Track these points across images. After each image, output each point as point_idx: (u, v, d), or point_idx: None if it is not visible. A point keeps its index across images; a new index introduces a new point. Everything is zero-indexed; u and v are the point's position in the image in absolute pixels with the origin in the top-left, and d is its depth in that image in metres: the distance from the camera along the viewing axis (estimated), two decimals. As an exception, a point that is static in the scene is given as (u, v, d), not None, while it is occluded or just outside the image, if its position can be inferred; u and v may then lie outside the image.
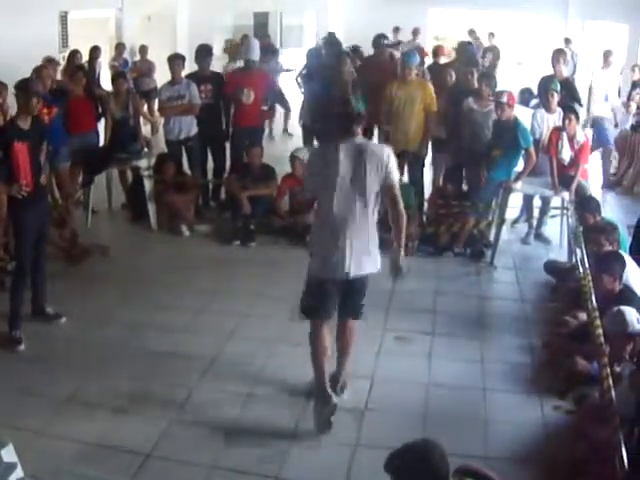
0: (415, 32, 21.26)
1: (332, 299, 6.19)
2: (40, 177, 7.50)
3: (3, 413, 6.19)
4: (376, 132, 11.74)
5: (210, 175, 11.92)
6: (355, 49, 15.33)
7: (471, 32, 21.44)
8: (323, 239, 6.06)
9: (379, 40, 12.50)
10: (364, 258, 6.05)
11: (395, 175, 6.04)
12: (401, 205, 6.05)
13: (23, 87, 7.35)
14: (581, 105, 11.65)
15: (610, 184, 13.36)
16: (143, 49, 18.14)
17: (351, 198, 5.89)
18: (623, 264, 6.90)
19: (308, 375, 6.65)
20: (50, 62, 12.23)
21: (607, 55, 13.68)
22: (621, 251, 7.60)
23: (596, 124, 13.48)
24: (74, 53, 14.18)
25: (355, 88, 11.05)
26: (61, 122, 10.27)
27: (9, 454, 4.68)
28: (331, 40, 13.95)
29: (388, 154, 6.00)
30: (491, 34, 21.40)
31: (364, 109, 6.14)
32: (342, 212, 5.91)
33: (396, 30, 21.41)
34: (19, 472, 4.70)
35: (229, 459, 5.75)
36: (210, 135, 11.48)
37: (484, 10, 22.92)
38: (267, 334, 7.65)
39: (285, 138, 16.97)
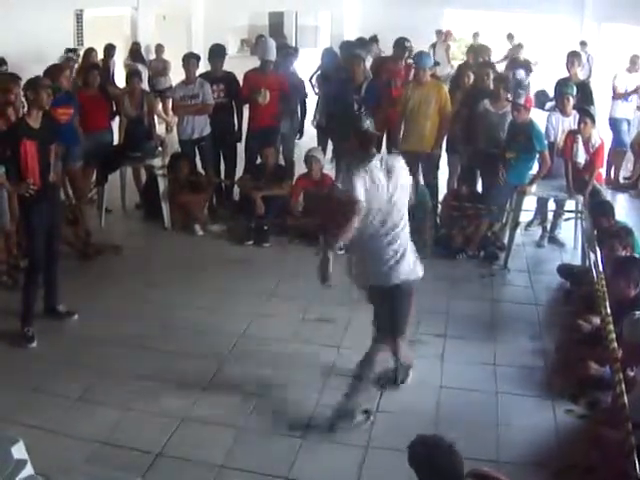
0: (439, 34, 21.19)
1: None
2: (49, 175, 7.51)
3: (14, 410, 6.23)
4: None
5: (222, 175, 11.89)
6: (373, 38, 15.47)
7: (476, 35, 21.29)
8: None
9: (401, 43, 12.40)
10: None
11: None
12: None
13: (32, 83, 7.37)
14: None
15: (623, 186, 13.33)
16: (159, 48, 18.16)
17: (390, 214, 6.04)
18: (642, 270, 6.87)
19: (321, 374, 6.83)
20: (68, 60, 12.25)
21: (635, 59, 13.44)
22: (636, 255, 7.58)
23: (615, 125, 13.44)
24: (89, 51, 14.19)
25: (369, 89, 11.05)
26: (73, 122, 10.27)
27: (19, 451, 4.69)
28: (346, 42, 13.87)
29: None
30: (475, 34, 21.17)
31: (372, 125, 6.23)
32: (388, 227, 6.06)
33: (439, 33, 21.25)
34: (29, 469, 4.70)
35: (239, 459, 5.75)
36: (222, 135, 11.47)
37: (500, 12, 22.84)
38: (280, 334, 7.64)
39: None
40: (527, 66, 16.17)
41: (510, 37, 20.14)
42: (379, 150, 6.22)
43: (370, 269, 6.16)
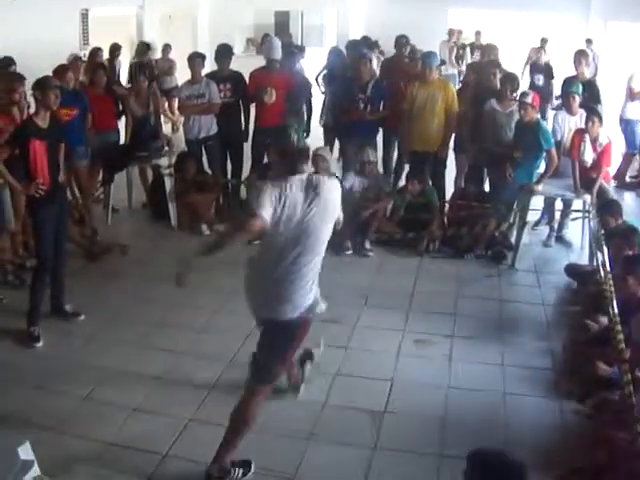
0: (451, 33, 21.07)
1: None
2: (58, 175, 7.52)
3: (20, 410, 6.22)
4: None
5: (228, 175, 11.87)
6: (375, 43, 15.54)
7: (478, 33, 21.21)
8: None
9: (401, 41, 12.47)
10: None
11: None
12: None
13: (40, 83, 7.36)
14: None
15: (629, 185, 13.29)
16: (166, 48, 18.14)
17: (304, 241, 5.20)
18: (651, 268, 6.84)
19: (327, 374, 6.84)
20: (76, 60, 12.26)
21: None
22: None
23: (627, 127, 13.36)
24: (95, 51, 14.18)
25: (375, 88, 11.03)
26: (78, 122, 10.26)
27: (26, 452, 4.68)
28: (353, 41, 13.88)
29: (338, 189, 5.46)
30: (478, 32, 21.04)
31: (304, 141, 5.63)
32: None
33: (478, 34, 21.10)
34: (36, 470, 4.69)
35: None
36: (228, 135, 11.46)
37: (504, 10, 22.80)
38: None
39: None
40: (548, 71, 16.00)
41: (544, 41, 19.80)
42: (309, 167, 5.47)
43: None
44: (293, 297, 5.28)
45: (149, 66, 14.93)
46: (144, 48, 15.33)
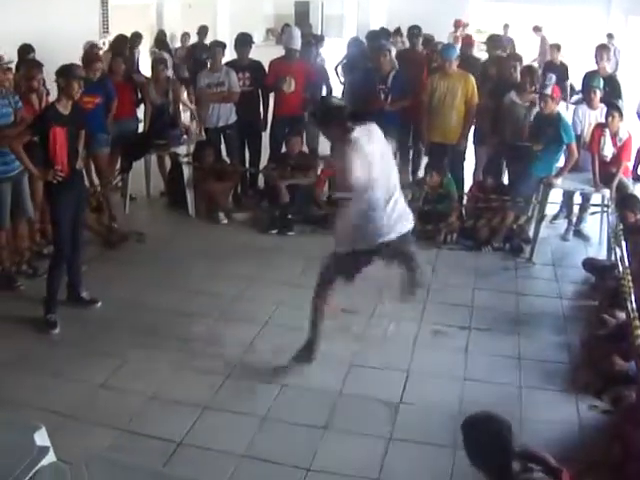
0: (456, 25, 20.97)
1: None
2: (76, 162, 7.52)
3: (37, 396, 6.25)
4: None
5: (246, 164, 11.87)
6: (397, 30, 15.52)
7: (506, 27, 21.12)
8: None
9: (413, 32, 12.43)
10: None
11: None
12: None
13: (64, 71, 7.36)
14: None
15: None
16: (185, 36, 18.15)
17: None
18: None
19: (343, 364, 6.77)
20: (92, 48, 12.26)
21: None
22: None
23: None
24: (120, 38, 14.08)
25: (396, 79, 10.98)
26: (101, 109, 10.25)
27: (42, 438, 4.67)
28: (373, 32, 13.85)
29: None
30: (506, 25, 20.97)
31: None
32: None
33: (506, 27, 21.01)
34: (51, 456, 4.69)
35: (261, 449, 5.72)
36: (247, 123, 11.46)
37: (526, 3, 22.74)
38: (302, 323, 7.56)
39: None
40: (563, 70, 15.81)
41: (537, 29, 19.73)
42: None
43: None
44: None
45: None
46: (162, 36, 15.29)
